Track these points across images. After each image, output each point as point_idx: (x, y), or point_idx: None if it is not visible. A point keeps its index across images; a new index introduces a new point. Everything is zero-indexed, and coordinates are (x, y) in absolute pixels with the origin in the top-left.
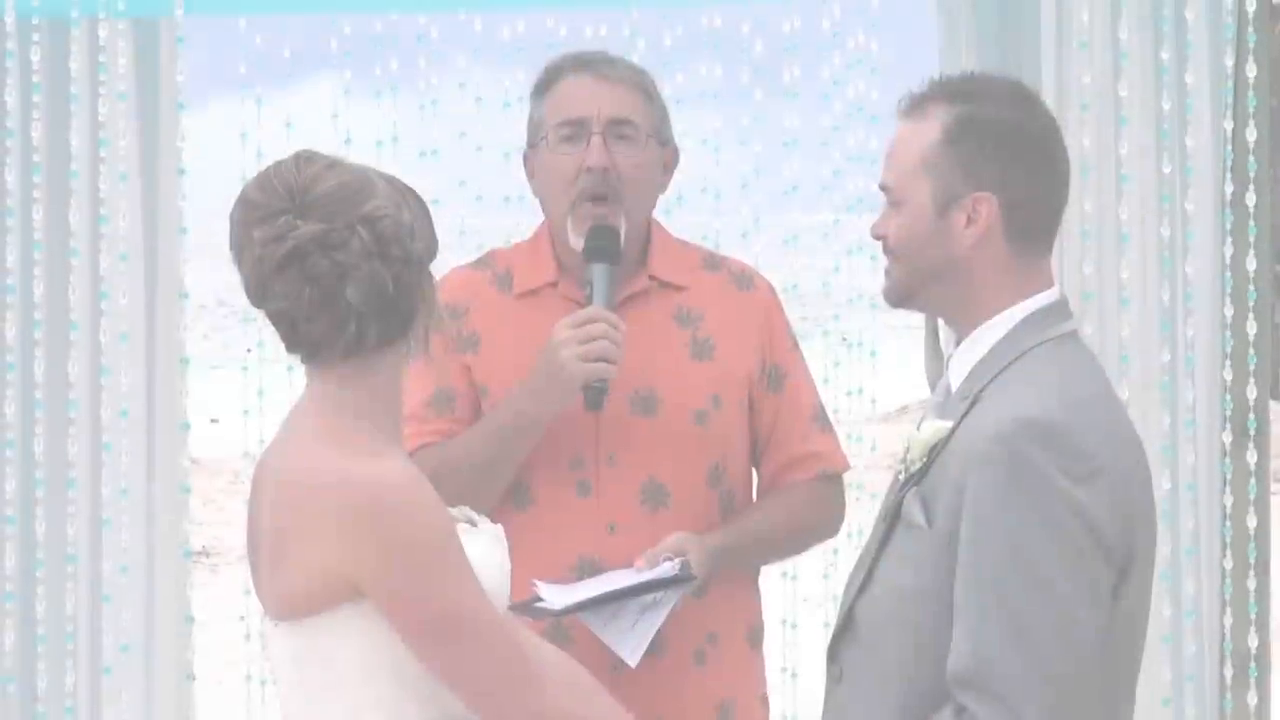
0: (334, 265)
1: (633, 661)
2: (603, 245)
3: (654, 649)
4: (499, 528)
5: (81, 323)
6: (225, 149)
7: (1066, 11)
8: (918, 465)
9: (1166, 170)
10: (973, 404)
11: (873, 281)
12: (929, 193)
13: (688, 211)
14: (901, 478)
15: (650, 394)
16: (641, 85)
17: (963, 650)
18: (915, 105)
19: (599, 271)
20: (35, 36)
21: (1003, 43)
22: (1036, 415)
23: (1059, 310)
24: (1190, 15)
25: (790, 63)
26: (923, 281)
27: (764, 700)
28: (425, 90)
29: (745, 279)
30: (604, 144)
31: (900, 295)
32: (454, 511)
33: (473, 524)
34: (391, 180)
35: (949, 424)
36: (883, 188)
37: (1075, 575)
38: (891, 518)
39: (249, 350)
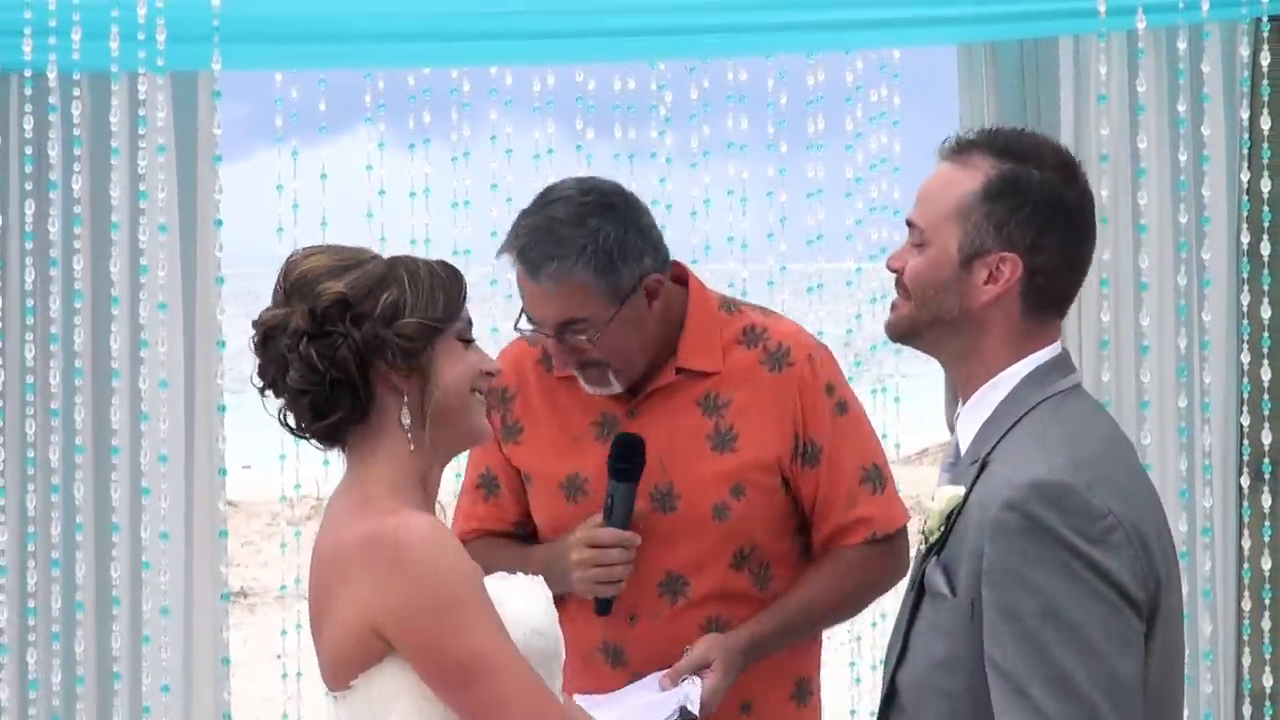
0: (280, 349)
1: None
2: (624, 467)
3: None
4: (538, 578)
5: (122, 370)
6: (262, 200)
7: (1085, 65)
8: (936, 535)
9: (1183, 220)
10: (982, 468)
11: None
12: (957, 241)
13: (715, 259)
14: (923, 548)
15: (669, 489)
16: (587, 270)
17: (1011, 713)
18: (961, 150)
19: (620, 491)
20: (76, 91)
21: (1022, 95)
22: (1045, 477)
23: (1061, 365)
24: (1206, 68)
25: (814, 115)
26: (931, 324)
27: None
28: (457, 143)
29: (779, 357)
30: (560, 344)
31: (904, 331)
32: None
33: (512, 572)
34: (401, 262)
35: (961, 490)
36: (910, 224)
37: (1109, 629)
38: (918, 588)
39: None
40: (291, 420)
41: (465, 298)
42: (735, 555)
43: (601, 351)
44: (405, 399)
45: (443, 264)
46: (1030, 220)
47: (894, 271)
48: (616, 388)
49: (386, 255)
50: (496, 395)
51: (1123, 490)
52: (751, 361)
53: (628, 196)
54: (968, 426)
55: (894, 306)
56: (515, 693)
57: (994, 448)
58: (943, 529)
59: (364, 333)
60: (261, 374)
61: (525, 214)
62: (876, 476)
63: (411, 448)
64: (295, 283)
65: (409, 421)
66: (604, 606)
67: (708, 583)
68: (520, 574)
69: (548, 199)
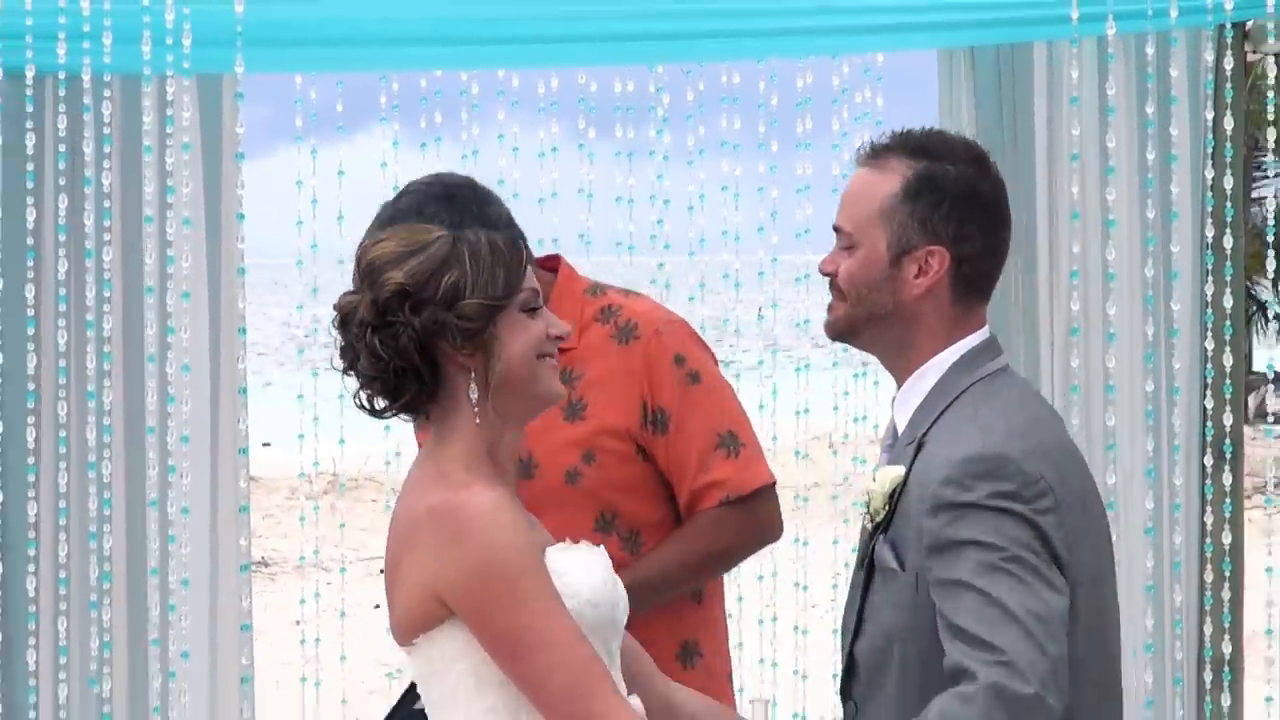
0: (351, 337)
1: None
2: None
3: None
4: (599, 548)
5: (152, 355)
6: (282, 196)
7: (1057, 68)
8: (881, 515)
9: (1151, 215)
10: (919, 449)
11: None
12: (885, 241)
13: (710, 251)
14: (870, 526)
15: (529, 457)
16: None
17: (954, 646)
18: (877, 155)
19: None
20: (108, 93)
21: (999, 97)
22: (979, 451)
23: (988, 349)
24: (1173, 72)
25: (803, 116)
26: (867, 321)
27: None
28: (467, 141)
29: (628, 332)
30: None
31: (842, 331)
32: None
33: (575, 542)
34: (464, 240)
35: (901, 470)
36: (837, 229)
37: (1040, 573)
38: (868, 565)
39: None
40: (367, 402)
41: (526, 269)
42: (597, 519)
43: None
44: (472, 375)
45: (505, 237)
46: (951, 214)
47: (827, 275)
48: None
49: (441, 229)
50: None
51: (1052, 458)
52: (604, 337)
53: (476, 189)
54: (903, 410)
55: (830, 309)
56: (558, 667)
57: (929, 429)
58: (887, 508)
59: (424, 319)
60: (342, 356)
61: (381, 208)
62: (731, 442)
63: (477, 421)
64: (365, 270)
65: (476, 396)
66: None
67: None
68: (583, 544)
69: (400, 193)
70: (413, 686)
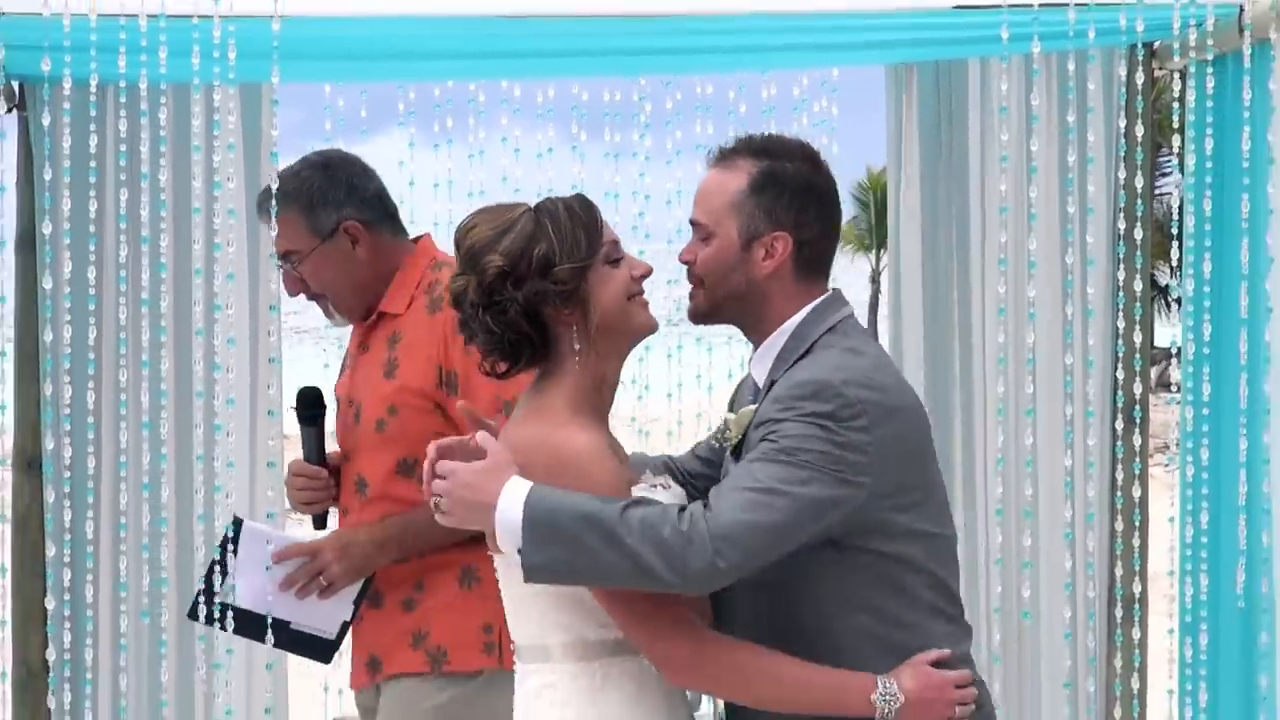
0: (465, 315)
1: (333, 635)
2: (306, 413)
3: (373, 600)
4: (683, 490)
5: (203, 329)
6: None
7: (989, 82)
8: (736, 441)
9: (1070, 210)
10: (770, 388)
11: None
12: (737, 230)
13: (685, 239)
14: (728, 450)
15: (360, 407)
16: (291, 209)
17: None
18: (725, 157)
19: (304, 434)
20: (163, 100)
21: (937, 107)
22: (810, 378)
23: (833, 302)
24: (1091, 85)
25: (767, 123)
26: (725, 301)
27: (488, 628)
28: (473, 143)
29: (437, 302)
30: (287, 275)
31: (704, 314)
32: (649, 478)
33: (666, 487)
34: (544, 210)
35: (754, 408)
36: (693, 223)
37: (815, 470)
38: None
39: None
40: (491, 368)
41: (602, 225)
42: (399, 464)
43: (316, 285)
44: (574, 329)
45: (578, 199)
46: (791, 204)
47: (686, 263)
48: (337, 319)
49: (523, 203)
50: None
51: (872, 385)
52: (421, 306)
53: (348, 160)
54: (760, 366)
55: (691, 297)
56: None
57: (783, 374)
58: (741, 434)
59: (525, 292)
60: (462, 330)
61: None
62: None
63: (578, 363)
64: (466, 256)
65: (579, 346)
66: (316, 521)
67: (379, 484)
68: (673, 484)
69: (296, 162)
70: (211, 570)
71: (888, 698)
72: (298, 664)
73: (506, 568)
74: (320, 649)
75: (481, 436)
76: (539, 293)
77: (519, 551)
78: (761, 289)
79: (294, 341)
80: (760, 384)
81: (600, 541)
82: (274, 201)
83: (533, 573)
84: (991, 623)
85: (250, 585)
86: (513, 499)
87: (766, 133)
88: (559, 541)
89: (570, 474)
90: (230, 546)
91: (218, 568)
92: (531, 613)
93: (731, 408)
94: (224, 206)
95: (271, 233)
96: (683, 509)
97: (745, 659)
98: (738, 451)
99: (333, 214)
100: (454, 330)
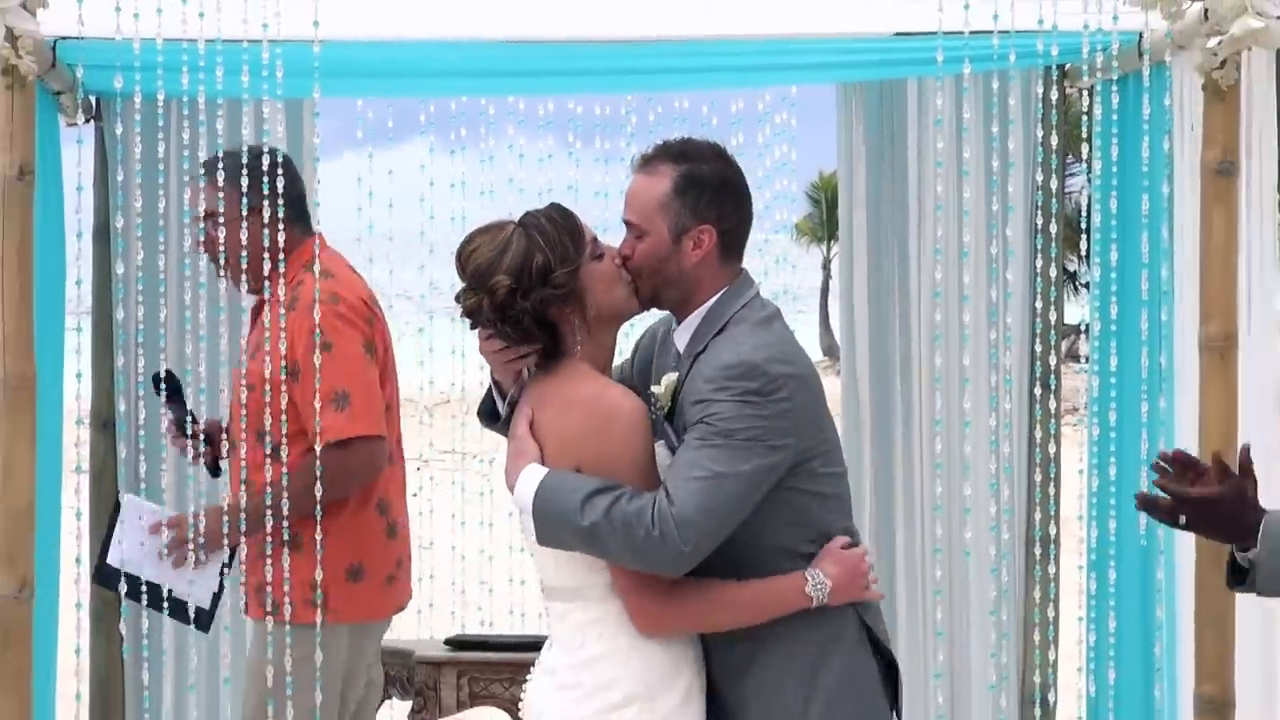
0: (485, 321)
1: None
2: (164, 391)
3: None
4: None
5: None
6: (348, 189)
7: (926, 98)
8: (667, 407)
9: (994, 208)
10: (694, 361)
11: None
12: (666, 227)
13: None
14: (661, 416)
15: (244, 375)
16: (233, 180)
17: (667, 480)
18: (647, 163)
19: (170, 409)
20: (220, 112)
21: (880, 119)
22: (735, 359)
23: (745, 281)
24: (1012, 101)
25: (736, 132)
26: (662, 288)
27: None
28: (484, 150)
29: (294, 302)
30: (206, 236)
31: (647, 300)
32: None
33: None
34: (529, 225)
35: (676, 375)
36: (627, 223)
37: (745, 449)
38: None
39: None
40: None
41: (582, 227)
42: (256, 435)
43: (221, 249)
44: (576, 320)
45: (555, 209)
46: (712, 200)
47: (625, 258)
48: (231, 285)
49: (509, 220)
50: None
51: (790, 361)
52: (289, 302)
53: (288, 161)
54: (682, 338)
55: (635, 290)
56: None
57: (706, 346)
58: (670, 402)
59: (533, 301)
60: (474, 326)
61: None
62: (344, 399)
63: (580, 350)
64: (474, 276)
65: (580, 337)
66: (211, 471)
67: (244, 451)
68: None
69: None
70: (106, 541)
71: (818, 586)
72: None
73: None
74: (200, 618)
75: (515, 419)
76: (544, 299)
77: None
78: (690, 275)
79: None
80: (681, 351)
81: (590, 541)
82: (220, 168)
83: (544, 543)
84: (934, 560)
85: (132, 552)
86: (526, 486)
87: (682, 138)
88: (561, 532)
89: (617, 432)
90: (118, 518)
91: (112, 538)
92: (575, 559)
93: (647, 368)
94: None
95: (205, 195)
96: (654, 502)
97: (701, 601)
98: (670, 416)
99: (246, 198)
100: (303, 329)
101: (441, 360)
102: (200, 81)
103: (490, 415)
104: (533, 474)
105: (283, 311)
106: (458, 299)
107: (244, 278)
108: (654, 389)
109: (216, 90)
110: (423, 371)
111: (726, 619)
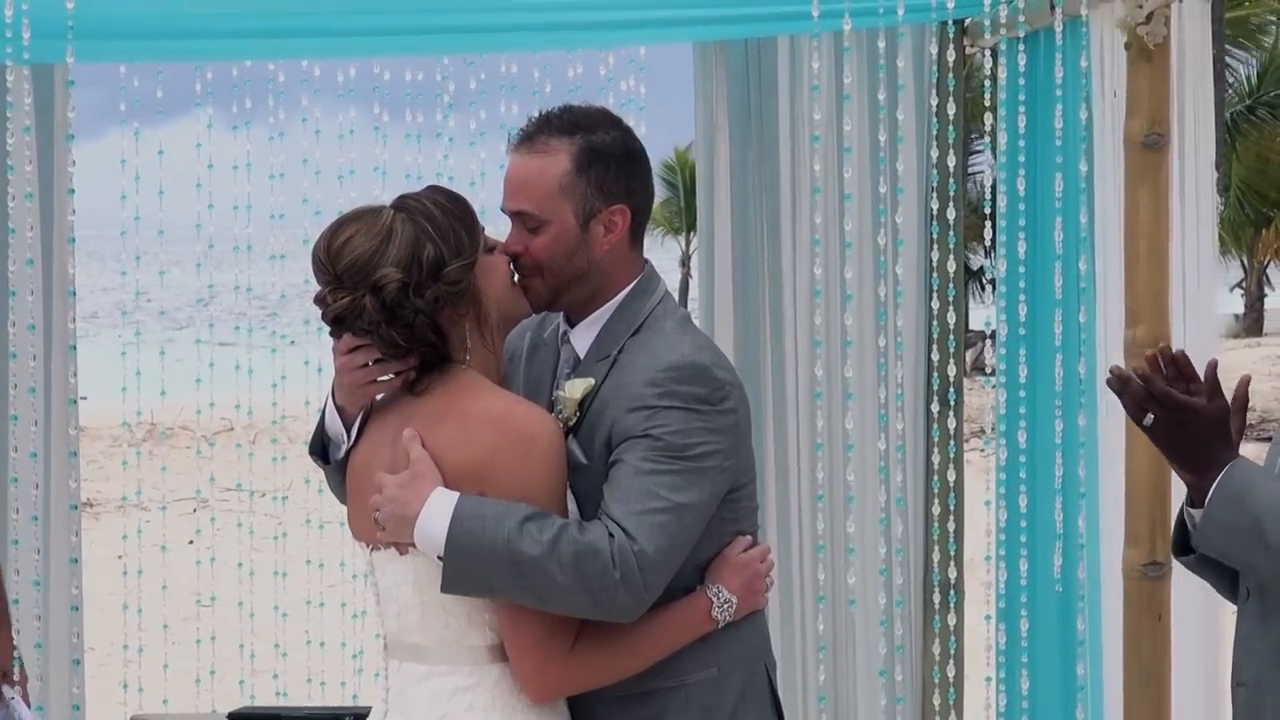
0: (361, 330)
1: None
2: None
3: None
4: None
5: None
6: (109, 173)
7: (799, 60)
8: (574, 419)
9: (882, 190)
10: (613, 364)
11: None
12: (572, 212)
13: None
14: (567, 428)
15: None
16: None
17: (611, 506)
18: (531, 140)
19: None
20: None
21: (747, 85)
22: (680, 360)
23: (651, 276)
24: (901, 63)
25: (574, 102)
26: (567, 286)
27: None
28: (274, 124)
29: None
30: None
31: (548, 302)
32: None
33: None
34: (414, 212)
35: (593, 380)
36: (517, 213)
37: (695, 471)
38: None
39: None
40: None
41: (474, 214)
42: None
43: None
44: (468, 325)
45: (441, 192)
46: (619, 174)
47: (517, 255)
48: None
49: (380, 205)
50: None
51: (728, 369)
52: None
53: None
54: (583, 339)
55: (529, 287)
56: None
57: (622, 347)
58: (577, 413)
59: (425, 300)
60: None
61: None
62: None
63: (468, 360)
64: (348, 270)
65: (470, 343)
66: None
67: None
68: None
69: None
70: None
71: (723, 605)
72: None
73: (417, 569)
74: None
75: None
76: (437, 298)
77: (441, 562)
78: (601, 267)
79: (92, 330)
80: (581, 356)
81: (526, 580)
82: None
83: (453, 589)
84: (816, 610)
85: None
86: (436, 513)
87: (562, 105)
88: (485, 569)
89: (536, 457)
90: None
91: None
92: (454, 612)
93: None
94: (20, 190)
95: None
96: (610, 536)
97: (603, 646)
98: (577, 429)
99: None
100: None
101: (224, 379)
102: None
103: (325, 449)
104: (442, 500)
105: None
106: (320, 301)
107: None
108: (558, 395)
109: None
110: (200, 393)
111: (633, 664)
